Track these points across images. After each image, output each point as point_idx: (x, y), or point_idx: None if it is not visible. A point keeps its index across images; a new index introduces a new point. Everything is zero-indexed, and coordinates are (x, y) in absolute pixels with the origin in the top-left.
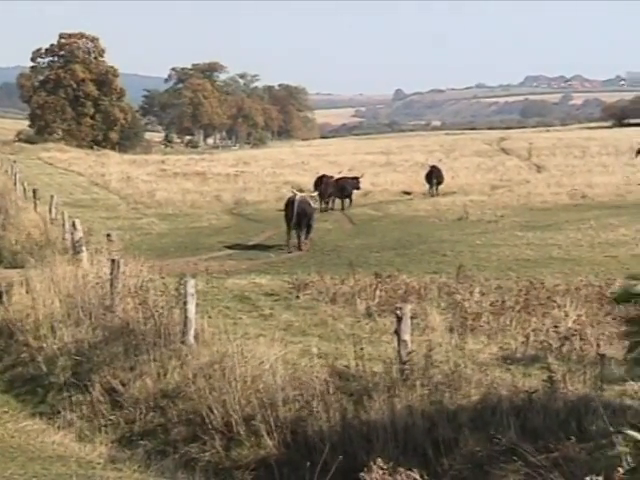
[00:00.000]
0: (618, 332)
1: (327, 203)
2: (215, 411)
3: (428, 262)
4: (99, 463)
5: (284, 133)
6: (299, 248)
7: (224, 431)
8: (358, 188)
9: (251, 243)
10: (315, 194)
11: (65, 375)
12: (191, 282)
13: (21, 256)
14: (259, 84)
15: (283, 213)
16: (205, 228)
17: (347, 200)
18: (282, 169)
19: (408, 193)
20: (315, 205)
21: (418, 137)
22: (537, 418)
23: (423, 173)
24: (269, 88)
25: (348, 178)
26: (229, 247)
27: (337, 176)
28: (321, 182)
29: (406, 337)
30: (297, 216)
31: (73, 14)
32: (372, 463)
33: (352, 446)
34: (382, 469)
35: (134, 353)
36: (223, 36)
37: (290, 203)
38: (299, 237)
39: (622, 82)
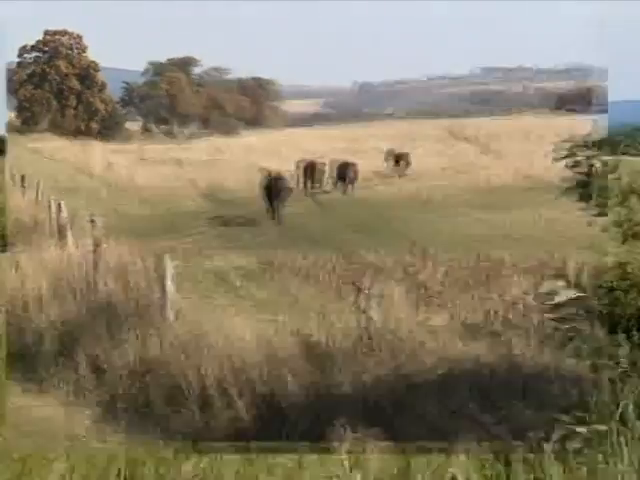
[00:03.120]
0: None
1: (316, 187)
2: (193, 384)
3: (390, 242)
4: (84, 436)
5: (256, 122)
6: (278, 222)
7: (202, 402)
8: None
9: (227, 225)
10: (288, 172)
11: (52, 350)
12: (170, 263)
13: (9, 239)
14: (232, 76)
15: (262, 192)
16: (183, 212)
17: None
18: (255, 156)
19: (381, 176)
20: (290, 184)
21: (380, 125)
22: (497, 390)
23: (389, 159)
24: (240, 80)
25: (349, 163)
26: (205, 229)
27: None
28: (309, 167)
29: (370, 312)
30: (275, 190)
31: (55, 11)
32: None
33: (319, 411)
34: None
35: (116, 330)
36: (197, 31)
37: (267, 180)
38: (274, 212)
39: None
